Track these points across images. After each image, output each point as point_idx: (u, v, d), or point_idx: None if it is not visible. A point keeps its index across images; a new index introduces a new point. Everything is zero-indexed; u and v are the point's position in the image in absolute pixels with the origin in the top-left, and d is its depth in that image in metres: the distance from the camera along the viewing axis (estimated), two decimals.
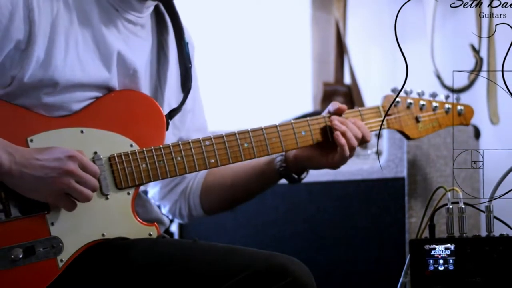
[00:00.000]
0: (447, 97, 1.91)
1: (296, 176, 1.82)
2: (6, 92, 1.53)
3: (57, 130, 1.55)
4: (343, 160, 1.74)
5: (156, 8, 1.73)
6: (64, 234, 1.52)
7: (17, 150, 1.47)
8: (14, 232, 1.49)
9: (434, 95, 1.88)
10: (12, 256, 1.48)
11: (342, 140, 1.71)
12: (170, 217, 1.92)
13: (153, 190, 1.89)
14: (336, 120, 1.74)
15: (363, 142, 1.76)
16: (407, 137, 1.86)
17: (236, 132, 1.68)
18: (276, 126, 1.71)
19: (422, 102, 1.86)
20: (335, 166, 1.77)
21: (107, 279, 1.53)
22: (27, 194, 1.49)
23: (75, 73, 1.55)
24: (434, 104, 1.88)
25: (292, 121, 1.73)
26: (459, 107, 1.90)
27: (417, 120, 1.86)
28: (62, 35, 1.54)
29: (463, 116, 1.91)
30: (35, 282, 1.50)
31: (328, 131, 1.75)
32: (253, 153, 1.68)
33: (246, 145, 1.68)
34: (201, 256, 1.52)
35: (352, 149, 1.73)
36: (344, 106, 1.78)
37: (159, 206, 1.91)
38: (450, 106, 1.89)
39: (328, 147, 1.75)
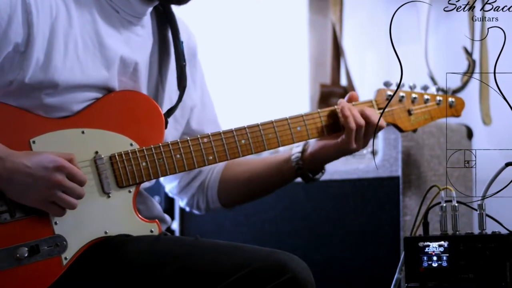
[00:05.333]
0: (438, 89, 1.92)
1: (311, 175, 1.83)
2: (8, 93, 1.54)
3: (58, 131, 1.57)
4: (350, 135, 1.73)
5: (156, 8, 1.74)
6: (67, 232, 1.54)
7: (8, 155, 1.48)
8: (19, 232, 1.51)
9: (425, 87, 1.89)
10: (18, 255, 1.49)
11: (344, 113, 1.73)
12: (188, 209, 1.94)
13: (171, 184, 1.90)
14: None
15: (370, 125, 1.74)
16: (400, 130, 1.87)
17: (233, 129, 1.69)
18: (272, 122, 1.72)
19: (414, 95, 1.87)
20: (347, 147, 1.75)
21: (110, 276, 1.55)
22: (15, 198, 1.50)
23: (75, 74, 1.56)
24: (426, 96, 1.89)
25: (288, 117, 1.74)
26: (450, 99, 1.91)
27: (409, 113, 1.86)
28: (61, 37, 1.55)
29: (454, 108, 1.92)
30: (40, 280, 1.52)
31: (322, 124, 1.76)
32: (250, 149, 1.70)
33: (243, 141, 1.69)
34: (202, 253, 1.53)
35: (358, 127, 1.72)
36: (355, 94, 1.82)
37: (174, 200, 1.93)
38: (441, 98, 1.90)
39: (336, 136, 1.77)
